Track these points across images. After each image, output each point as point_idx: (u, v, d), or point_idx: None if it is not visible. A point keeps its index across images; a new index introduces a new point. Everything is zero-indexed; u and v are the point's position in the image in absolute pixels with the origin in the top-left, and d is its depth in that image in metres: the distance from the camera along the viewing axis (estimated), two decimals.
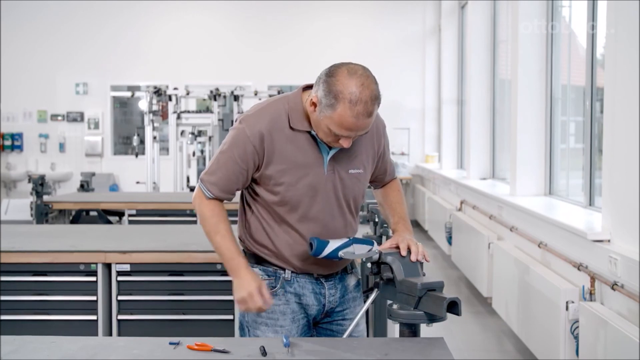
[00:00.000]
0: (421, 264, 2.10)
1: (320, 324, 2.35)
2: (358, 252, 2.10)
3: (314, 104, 2.08)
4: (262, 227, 2.25)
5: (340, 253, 2.10)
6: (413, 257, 2.11)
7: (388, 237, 3.55)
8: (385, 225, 3.61)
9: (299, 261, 2.23)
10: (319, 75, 2.08)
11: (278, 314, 2.24)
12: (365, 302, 2.17)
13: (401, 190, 2.48)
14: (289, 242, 2.22)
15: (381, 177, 2.42)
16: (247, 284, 2.12)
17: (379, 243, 2.22)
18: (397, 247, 2.15)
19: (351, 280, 2.37)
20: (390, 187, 2.47)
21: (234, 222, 2.34)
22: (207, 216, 2.22)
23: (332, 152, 2.18)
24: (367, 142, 2.27)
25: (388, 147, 2.39)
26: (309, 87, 2.20)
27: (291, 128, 2.16)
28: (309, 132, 2.16)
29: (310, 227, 2.21)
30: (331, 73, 2.04)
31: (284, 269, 2.25)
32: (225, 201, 2.26)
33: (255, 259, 2.28)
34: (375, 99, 2.03)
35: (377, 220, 3.75)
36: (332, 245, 2.10)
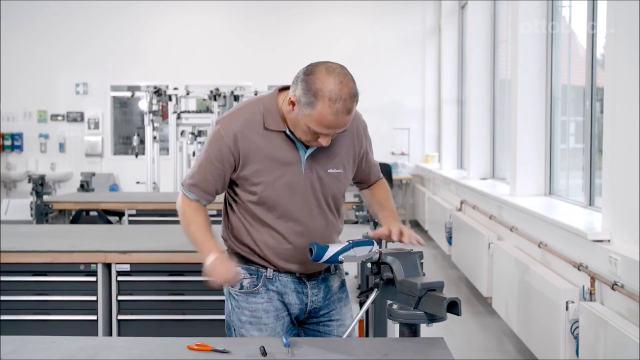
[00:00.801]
0: (421, 263, 2.10)
1: (307, 325, 2.36)
2: (359, 254, 2.10)
3: (292, 103, 2.09)
4: (244, 227, 2.26)
5: (341, 257, 2.10)
6: (405, 239, 2.13)
7: None
8: None
9: (280, 260, 2.25)
10: (297, 75, 2.09)
11: (261, 312, 2.25)
12: (365, 302, 2.17)
13: (388, 189, 2.50)
14: (270, 241, 2.24)
15: (366, 177, 2.43)
16: (213, 256, 2.16)
17: (379, 243, 2.22)
18: (390, 235, 2.18)
19: (335, 282, 2.38)
20: (377, 186, 2.48)
21: (218, 222, 2.37)
22: (185, 211, 2.29)
23: (309, 151, 2.20)
24: (347, 142, 2.28)
25: (371, 148, 2.40)
26: (285, 88, 2.21)
27: (266, 128, 2.17)
28: (284, 132, 2.17)
29: (290, 226, 2.22)
30: (309, 71, 2.06)
31: (265, 268, 2.26)
32: (205, 202, 2.29)
33: (237, 258, 2.29)
34: (354, 96, 2.05)
35: (377, 220, 3.75)
36: (332, 249, 2.10)
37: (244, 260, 2.28)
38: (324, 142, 2.11)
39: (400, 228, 2.20)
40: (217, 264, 2.14)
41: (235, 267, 2.17)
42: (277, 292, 2.27)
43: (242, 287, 2.26)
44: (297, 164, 2.20)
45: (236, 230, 2.29)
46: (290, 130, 2.16)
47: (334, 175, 2.25)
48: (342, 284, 2.41)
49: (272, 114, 2.18)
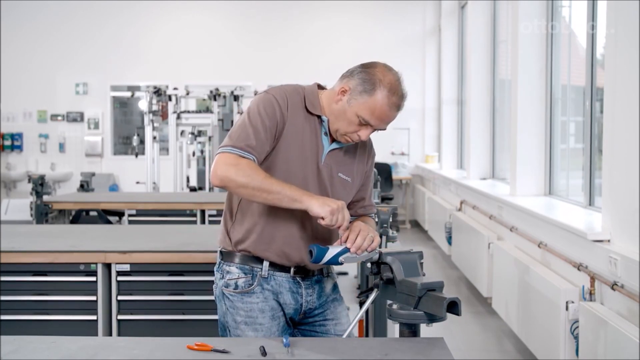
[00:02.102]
0: (421, 263, 2.10)
1: (303, 325, 2.36)
2: (359, 255, 2.10)
3: (343, 92, 2.16)
4: (257, 209, 2.21)
5: (341, 258, 2.10)
6: (349, 244, 2.07)
7: (388, 237, 3.57)
8: (385, 225, 3.61)
9: (282, 244, 2.21)
10: (351, 70, 2.18)
11: (257, 312, 2.25)
12: (365, 302, 2.17)
13: (373, 223, 2.42)
14: (281, 223, 2.20)
15: (356, 201, 2.37)
16: (332, 201, 2.06)
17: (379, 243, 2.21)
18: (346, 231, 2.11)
19: (328, 284, 2.38)
20: (365, 218, 2.38)
21: (218, 222, 2.33)
22: (241, 165, 2.07)
23: (332, 146, 2.23)
24: (360, 157, 2.33)
25: (371, 175, 2.41)
26: (320, 87, 2.29)
27: (306, 109, 2.21)
28: (319, 117, 2.21)
29: (296, 217, 2.19)
30: (368, 65, 2.17)
31: (260, 266, 2.24)
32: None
33: (231, 258, 2.27)
34: (405, 97, 2.18)
35: (377, 220, 3.75)
36: (332, 251, 2.10)
37: (238, 260, 2.26)
38: (364, 135, 2.18)
39: (359, 230, 2.09)
40: (343, 208, 2.06)
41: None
42: (272, 291, 2.27)
43: (237, 286, 2.26)
44: (318, 155, 2.22)
45: (244, 216, 2.23)
46: (326, 117, 2.20)
47: (343, 181, 2.27)
48: (335, 285, 2.43)
49: (313, 97, 2.23)
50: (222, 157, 2.10)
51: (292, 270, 2.28)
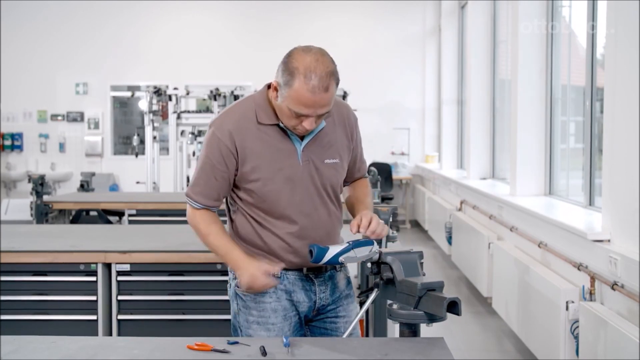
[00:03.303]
0: (421, 263, 2.10)
1: (313, 322, 2.36)
2: (359, 255, 2.10)
3: (275, 90, 2.13)
4: (250, 224, 2.26)
5: (341, 258, 2.10)
6: (362, 230, 2.14)
7: (388, 237, 3.57)
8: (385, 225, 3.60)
9: (289, 254, 2.24)
10: (279, 63, 2.13)
11: (269, 311, 2.25)
12: (365, 302, 2.17)
13: (370, 188, 2.49)
14: (277, 236, 2.23)
15: (350, 172, 2.41)
16: (247, 267, 2.16)
17: (379, 243, 2.21)
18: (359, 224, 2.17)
19: (341, 279, 2.38)
20: (359, 183, 2.47)
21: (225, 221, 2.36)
22: (198, 223, 2.27)
23: (304, 142, 2.21)
24: (341, 132, 2.30)
25: (360, 142, 2.42)
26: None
27: (259, 123, 2.19)
28: (278, 125, 2.19)
29: (295, 218, 2.22)
30: (287, 54, 2.11)
31: None
32: (214, 208, 2.28)
33: None
34: (332, 74, 2.06)
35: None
36: (332, 251, 2.10)
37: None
38: (307, 125, 2.11)
39: (370, 217, 2.17)
40: (257, 274, 2.15)
41: (269, 269, 2.17)
42: (285, 290, 2.27)
43: None
44: (294, 157, 2.20)
45: (242, 229, 2.28)
46: (283, 123, 2.17)
47: (331, 166, 2.26)
48: (348, 281, 2.42)
49: (263, 108, 2.20)
50: (187, 205, 2.30)
51: (304, 268, 2.28)
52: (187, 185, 2.34)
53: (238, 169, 2.20)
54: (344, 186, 2.47)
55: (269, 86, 2.23)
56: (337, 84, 2.09)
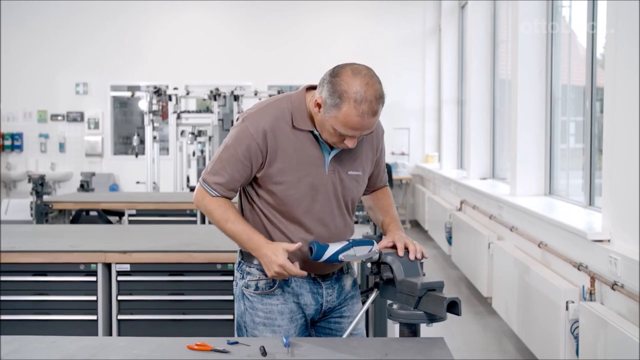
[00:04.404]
0: (421, 263, 2.10)
1: (318, 322, 2.35)
2: (359, 254, 2.10)
3: (318, 105, 2.09)
4: (262, 222, 2.24)
5: (341, 256, 2.10)
6: (412, 256, 2.11)
7: None
8: None
9: (299, 260, 2.22)
10: (323, 77, 2.09)
11: (276, 313, 2.24)
12: (365, 302, 2.17)
13: (392, 197, 2.48)
14: (288, 239, 2.21)
15: (373, 182, 2.41)
16: (274, 258, 2.12)
17: (378, 242, 2.22)
18: (394, 247, 2.15)
19: (348, 280, 2.37)
20: (382, 192, 2.47)
21: None
22: (213, 209, 2.22)
23: (333, 153, 2.19)
24: (368, 145, 2.29)
25: (384, 153, 2.41)
26: (312, 88, 2.20)
27: (294, 127, 2.16)
28: (312, 132, 2.17)
29: (310, 226, 2.21)
30: (335, 73, 2.06)
31: None
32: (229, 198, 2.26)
33: (250, 259, 2.27)
34: (380, 98, 2.05)
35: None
36: (332, 248, 2.10)
37: (259, 260, 2.25)
38: (350, 144, 2.11)
39: (405, 242, 2.15)
40: (286, 265, 2.11)
41: (290, 247, 2.14)
42: (292, 293, 2.26)
43: (257, 288, 2.25)
44: (320, 165, 2.19)
45: (252, 224, 2.24)
46: (317, 131, 2.15)
47: (354, 177, 2.26)
48: (354, 282, 2.41)
49: (300, 112, 2.17)
50: (198, 186, 2.26)
51: (312, 273, 2.27)
52: (203, 171, 2.28)
53: (263, 168, 2.17)
54: (365, 195, 2.46)
55: (307, 89, 2.21)
56: (384, 104, 2.08)
